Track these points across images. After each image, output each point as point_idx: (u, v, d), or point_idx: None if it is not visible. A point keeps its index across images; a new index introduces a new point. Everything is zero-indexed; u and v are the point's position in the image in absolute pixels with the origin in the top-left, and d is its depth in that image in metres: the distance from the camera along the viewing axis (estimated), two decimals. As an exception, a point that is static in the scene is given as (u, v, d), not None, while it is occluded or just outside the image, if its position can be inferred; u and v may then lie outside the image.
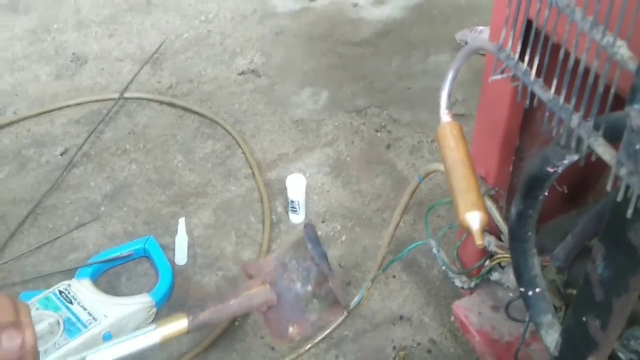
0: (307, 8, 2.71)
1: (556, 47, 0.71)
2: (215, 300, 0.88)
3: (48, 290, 1.57)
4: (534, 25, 0.77)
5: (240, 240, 1.82)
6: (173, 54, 2.50)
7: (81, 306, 1.54)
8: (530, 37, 0.79)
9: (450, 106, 0.92)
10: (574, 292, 1.13)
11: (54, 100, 2.30)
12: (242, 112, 2.23)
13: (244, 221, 1.87)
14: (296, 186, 1.79)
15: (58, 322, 1.48)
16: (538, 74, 0.76)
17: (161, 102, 2.28)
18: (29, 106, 2.29)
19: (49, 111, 2.26)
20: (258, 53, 2.49)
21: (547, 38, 0.73)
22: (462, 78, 2.15)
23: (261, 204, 1.90)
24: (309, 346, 1.52)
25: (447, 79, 0.91)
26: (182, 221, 1.84)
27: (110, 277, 1.73)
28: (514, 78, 0.80)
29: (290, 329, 0.90)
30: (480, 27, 2.43)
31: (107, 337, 1.50)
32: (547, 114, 0.74)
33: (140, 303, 1.58)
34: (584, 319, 0.84)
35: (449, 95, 0.92)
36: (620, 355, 1.04)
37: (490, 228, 1.27)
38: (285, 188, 1.82)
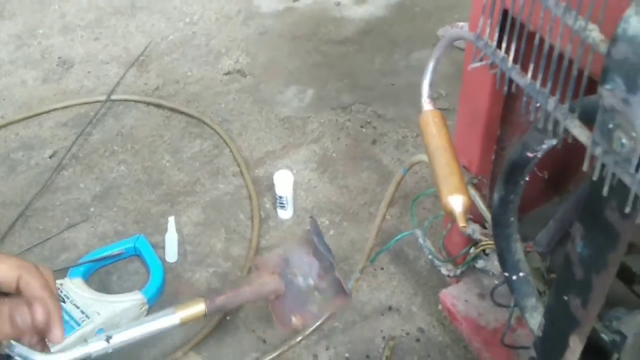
0: (290, 8, 2.74)
1: (532, 34, 0.74)
2: (230, 287, 0.94)
3: (40, 290, 1.58)
4: (510, 12, 0.80)
5: (229, 236, 1.84)
6: (159, 55, 2.52)
7: (74, 304, 1.55)
8: (507, 24, 0.82)
9: (431, 95, 0.95)
10: (557, 276, 1.16)
11: (42, 104, 2.32)
12: (229, 111, 2.25)
13: (233, 218, 1.89)
14: (284, 182, 1.81)
15: (51, 321, 1.49)
16: (515, 61, 0.79)
17: (148, 104, 2.29)
18: (16, 110, 2.30)
19: (36, 115, 2.27)
20: (243, 53, 2.51)
21: (522, 25, 0.76)
22: (445, 73, 2.20)
23: (250, 201, 1.92)
24: (299, 338, 1.55)
25: (427, 69, 0.94)
26: (171, 219, 1.85)
27: (102, 276, 1.75)
28: (492, 65, 0.83)
29: (294, 320, 0.96)
30: (462, 23, 2.47)
31: (100, 333, 1.51)
32: (524, 99, 0.77)
33: (132, 300, 1.60)
34: (565, 297, 0.87)
35: (430, 85, 0.94)
36: (603, 336, 1.07)
37: (474, 216, 1.30)
38: (273, 185, 1.85)
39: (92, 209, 1.93)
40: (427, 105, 0.94)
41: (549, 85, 0.73)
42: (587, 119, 0.69)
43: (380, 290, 1.67)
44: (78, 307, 1.55)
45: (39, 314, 0.73)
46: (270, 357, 1.53)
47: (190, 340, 1.58)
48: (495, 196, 0.99)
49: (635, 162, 0.61)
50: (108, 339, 0.81)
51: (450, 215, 0.87)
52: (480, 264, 1.36)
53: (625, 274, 1.19)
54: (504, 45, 0.80)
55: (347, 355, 1.55)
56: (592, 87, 0.66)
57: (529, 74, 0.76)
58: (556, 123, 0.73)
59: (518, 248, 1.07)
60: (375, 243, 1.54)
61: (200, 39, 2.59)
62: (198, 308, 0.87)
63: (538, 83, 0.75)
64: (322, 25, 2.63)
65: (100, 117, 2.24)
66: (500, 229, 1.05)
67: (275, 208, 1.88)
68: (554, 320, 0.93)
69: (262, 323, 1.61)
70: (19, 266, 0.75)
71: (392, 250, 1.72)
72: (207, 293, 0.89)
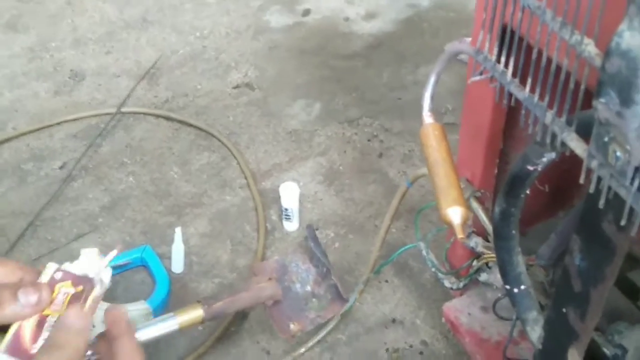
0: (299, 23, 2.76)
1: (530, 48, 0.75)
2: (227, 293, 0.94)
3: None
4: (509, 27, 0.81)
5: (235, 248, 1.85)
6: (169, 69, 2.55)
7: (80, 314, 1.57)
8: (506, 39, 0.83)
9: (432, 108, 0.96)
10: (559, 289, 1.16)
11: (53, 116, 2.34)
12: (237, 124, 2.27)
13: (239, 230, 1.90)
14: (289, 194, 1.82)
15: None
16: (514, 75, 0.80)
17: (157, 116, 2.32)
18: (28, 122, 2.33)
19: (47, 126, 2.30)
20: (252, 67, 2.53)
21: (521, 39, 0.77)
22: (452, 88, 2.22)
23: (256, 213, 1.93)
24: (303, 350, 1.55)
25: (429, 83, 0.95)
26: (178, 230, 1.87)
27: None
28: (492, 79, 0.84)
29: (292, 326, 0.96)
30: (468, 39, 2.48)
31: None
32: (523, 112, 0.78)
33: (137, 310, 1.61)
34: (564, 310, 0.87)
35: (432, 98, 0.96)
36: (605, 350, 1.07)
37: (477, 229, 1.30)
38: (279, 197, 1.86)
39: (100, 220, 1.95)
40: (427, 118, 0.95)
41: (546, 98, 0.74)
42: (584, 132, 0.70)
43: (384, 303, 1.68)
44: (84, 317, 1.56)
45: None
46: (274, 368, 1.53)
47: (195, 351, 1.59)
48: (496, 209, 1.00)
49: (629, 174, 0.62)
50: None
51: (449, 226, 0.88)
52: (483, 277, 1.36)
53: (629, 289, 1.19)
54: (502, 59, 0.81)
55: (350, 367, 1.56)
56: (589, 100, 0.67)
57: (527, 88, 0.77)
58: (554, 136, 0.74)
59: (519, 261, 1.07)
60: (379, 255, 1.55)
61: (210, 53, 2.61)
62: (196, 313, 0.87)
63: (536, 96, 0.76)
64: (331, 39, 2.65)
65: (110, 129, 2.26)
66: (502, 242, 1.05)
67: (281, 220, 1.90)
68: (553, 333, 0.94)
69: (266, 334, 1.62)
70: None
71: (396, 263, 1.72)
72: (204, 299, 0.89)
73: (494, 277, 1.34)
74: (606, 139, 0.64)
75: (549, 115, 0.74)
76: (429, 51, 2.54)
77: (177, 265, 1.80)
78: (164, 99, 2.40)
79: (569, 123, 0.72)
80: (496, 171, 1.27)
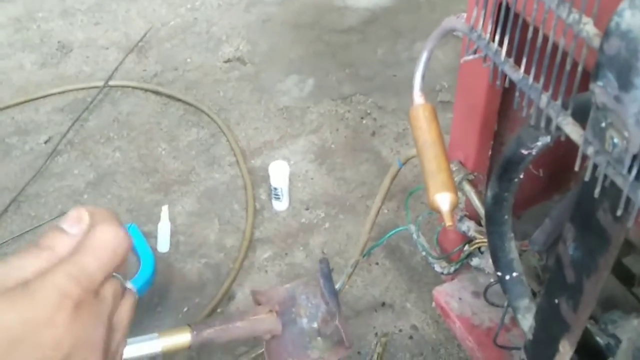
0: (294, -4, 2.70)
1: (526, 26, 0.70)
2: (220, 320, 0.86)
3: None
4: (504, 5, 0.76)
5: (223, 227, 1.81)
6: (158, 41, 2.49)
7: (62, 293, 1.53)
8: (501, 15, 0.79)
9: (423, 88, 0.91)
10: (553, 276, 1.13)
11: (39, 89, 2.29)
12: (227, 100, 2.22)
13: (228, 208, 1.86)
14: (279, 173, 1.78)
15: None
16: (509, 54, 0.76)
17: (146, 90, 2.27)
18: (13, 94, 2.28)
19: (33, 99, 2.25)
20: (244, 41, 2.48)
21: (517, 16, 0.73)
22: (448, 65, 2.17)
23: (245, 192, 1.89)
24: (290, 333, 1.52)
25: (420, 61, 0.91)
26: (165, 209, 1.83)
27: (93, 265, 1.72)
28: (486, 58, 0.79)
29: None
30: (465, 14, 2.43)
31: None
32: (517, 94, 0.74)
33: (121, 290, 1.58)
34: (556, 301, 0.84)
35: (423, 77, 0.91)
36: (599, 339, 1.05)
37: (469, 213, 1.27)
38: (269, 175, 1.82)
39: (85, 197, 1.91)
40: (418, 98, 0.91)
41: (542, 80, 0.70)
42: (580, 117, 0.66)
43: (374, 286, 1.64)
44: (66, 296, 1.52)
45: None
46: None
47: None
48: (489, 193, 0.96)
49: (627, 162, 0.59)
50: None
51: (437, 212, 0.84)
52: (475, 261, 1.32)
53: (624, 276, 1.16)
54: (497, 37, 0.76)
55: (338, 351, 1.53)
56: (586, 83, 0.63)
57: (522, 68, 0.73)
58: (549, 120, 0.70)
59: (512, 247, 1.04)
60: (370, 237, 1.51)
61: (201, 26, 2.55)
62: (183, 338, 0.80)
63: (531, 78, 0.71)
64: (326, 13, 2.59)
65: (97, 103, 2.21)
66: (494, 227, 1.02)
67: (270, 199, 1.86)
68: (544, 324, 0.91)
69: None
70: None
71: (387, 245, 1.69)
72: (194, 324, 0.83)
73: (486, 262, 1.30)
74: (603, 125, 0.60)
75: (544, 98, 0.70)
76: (425, 26, 2.48)
77: (163, 244, 1.76)
78: (153, 73, 2.34)
79: (564, 107, 0.68)
80: (490, 153, 1.23)
